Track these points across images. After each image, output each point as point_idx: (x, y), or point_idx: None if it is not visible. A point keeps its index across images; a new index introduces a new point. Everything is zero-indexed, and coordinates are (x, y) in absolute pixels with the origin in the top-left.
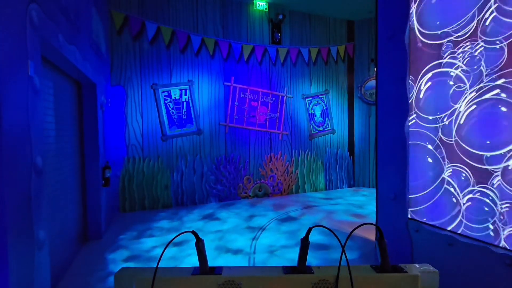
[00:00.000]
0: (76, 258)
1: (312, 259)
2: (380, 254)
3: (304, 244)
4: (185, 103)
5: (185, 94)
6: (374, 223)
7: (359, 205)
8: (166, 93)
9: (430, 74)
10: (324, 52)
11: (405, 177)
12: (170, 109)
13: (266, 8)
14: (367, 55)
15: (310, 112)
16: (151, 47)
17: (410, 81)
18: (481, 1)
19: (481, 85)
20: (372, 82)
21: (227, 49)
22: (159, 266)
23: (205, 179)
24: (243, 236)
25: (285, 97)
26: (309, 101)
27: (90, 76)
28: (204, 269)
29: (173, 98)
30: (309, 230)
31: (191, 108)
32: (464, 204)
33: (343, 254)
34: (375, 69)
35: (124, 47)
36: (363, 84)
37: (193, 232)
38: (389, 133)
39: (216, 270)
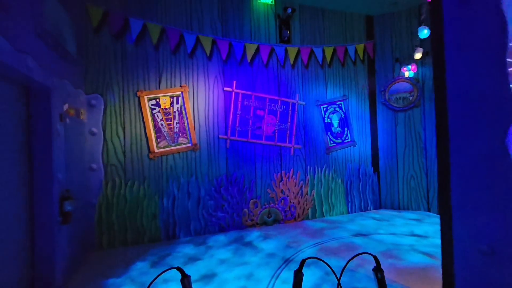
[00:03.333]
0: None
1: None
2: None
3: (298, 277)
4: (177, 113)
5: (177, 102)
6: (371, 253)
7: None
8: (153, 101)
9: None
10: (341, 52)
11: None
12: (159, 120)
13: (272, 1)
14: (390, 55)
15: (326, 121)
16: (136, 47)
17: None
18: None
19: None
20: (398, 86)
21: (227, 48)
22: None
23: (203, 204)
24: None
25: (296, 104)
26: (324, 109)
27: (36, 77)
28: None
29: (162, 107)
30: (303, 261)
31: (185, 119)
32: None
33: None
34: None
35: (103, 48)
36: (387, 88)
37: (178, 268)
38: (473, 148)
39: None
